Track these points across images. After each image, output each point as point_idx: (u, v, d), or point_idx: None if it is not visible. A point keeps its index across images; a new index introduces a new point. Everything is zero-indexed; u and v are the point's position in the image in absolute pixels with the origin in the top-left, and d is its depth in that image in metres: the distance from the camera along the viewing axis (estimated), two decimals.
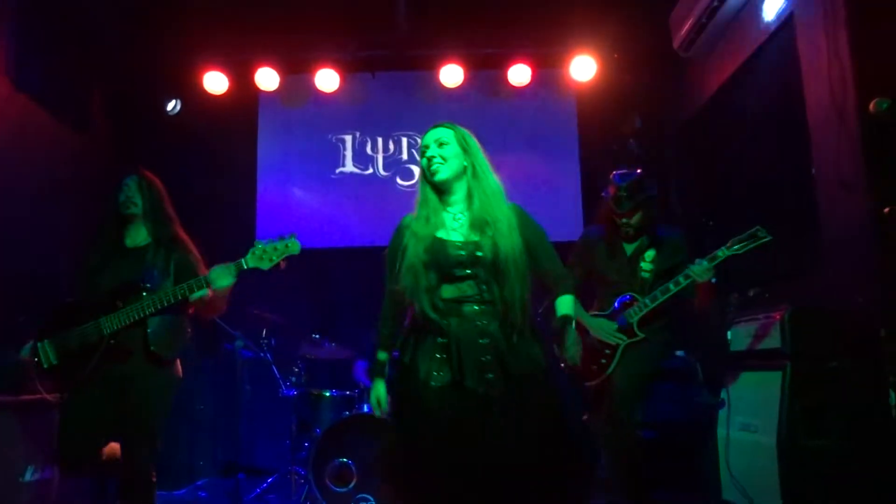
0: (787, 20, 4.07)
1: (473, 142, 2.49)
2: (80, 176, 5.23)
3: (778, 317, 3.43)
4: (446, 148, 2.43)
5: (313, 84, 5.94)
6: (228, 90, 5.90)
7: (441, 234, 2.41)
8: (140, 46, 5.56)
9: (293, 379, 4.73)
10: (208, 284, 2.97)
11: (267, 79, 5.86)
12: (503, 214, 2.41)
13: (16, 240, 4.28)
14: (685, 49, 5.16)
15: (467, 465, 2.13)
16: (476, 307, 2.29)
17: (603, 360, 3.44)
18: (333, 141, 6.21)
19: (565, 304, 2.47)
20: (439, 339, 2.28)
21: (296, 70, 6.00)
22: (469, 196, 2.44)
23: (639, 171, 3.47)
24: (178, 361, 3.23)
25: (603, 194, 3.53)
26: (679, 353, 4.67)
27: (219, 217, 5.78)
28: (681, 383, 4.62)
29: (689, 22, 4.92)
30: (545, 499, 2.19)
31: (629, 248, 3.53)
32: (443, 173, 2.42)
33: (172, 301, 2.97)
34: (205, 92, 5.85)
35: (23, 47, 4.59)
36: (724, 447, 3.74)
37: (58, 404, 3.29)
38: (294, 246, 2.90)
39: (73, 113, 5.25)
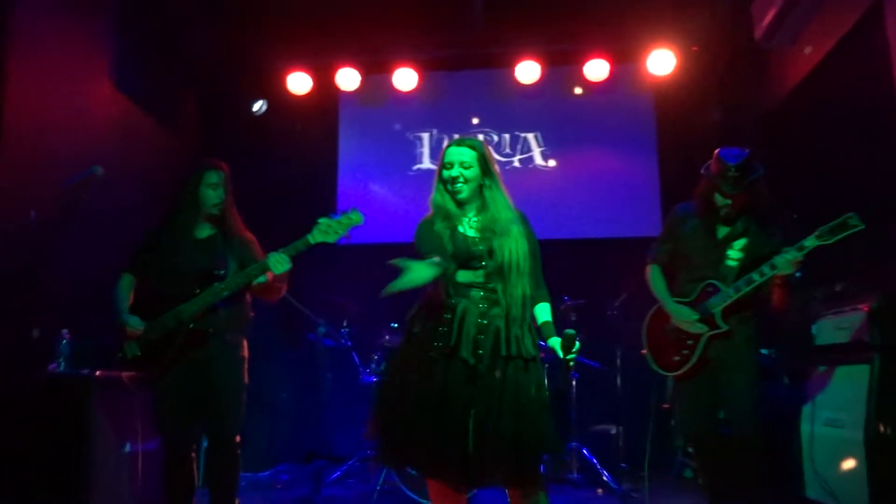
0: (875, 7, 3.94)
1: (489, 155, 2.73)
2: (174, 174, 5.51)
3: (866, 308, 3.34)
4: (470, 170, 2.66)
5: (391, 83, 6.10)
6: (311, 90, 6.12)
7: (461, 229, 2.68)
8: (229, 49, 5.83)
9: (373, 366, 4.87)
10: (267, 270, 3.11)
11: (348, 79, 6.05)
12: (512, 222, 2.66)
13: (115, 232, 4.56)
14: (767, 39, 5.03)
15: (453, 430, 2.38)
16: (482, 293, 2.56)
17: (685, 351, 3.33)
18: (411, 138, 6.36)
19: (546, 311, 2.72)
20: (445, 315, 2.52)
21: (375, 70, 6.18)
22: (482, 206, 2.71)
23: (748, 150, 3.24)
24: (245, 342, 3.39)
25: (703, 171, 3.33)
26: (762, 350, 4.57)
27: (300, 214, 5.97)
28: (763, 380, 4.52)
29: (773, 11, 4.81)
30: (513, 473, 2.41)
31: (721, 231, 3.35)
32: (464, 193, 2.66)
33: (241, 285, 3.15)
34: (288, 92, 6.09)
35: (123, 51, 4.90)
36: (808, 443, 3.66)
37: (134, 387, 3.48)
38: (357, 217, 2.99)
39: (169, 113, 5.57)
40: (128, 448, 3.73)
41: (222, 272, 3.19)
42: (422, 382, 2.47)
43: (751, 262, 3.25)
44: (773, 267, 3.11)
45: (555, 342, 2.62)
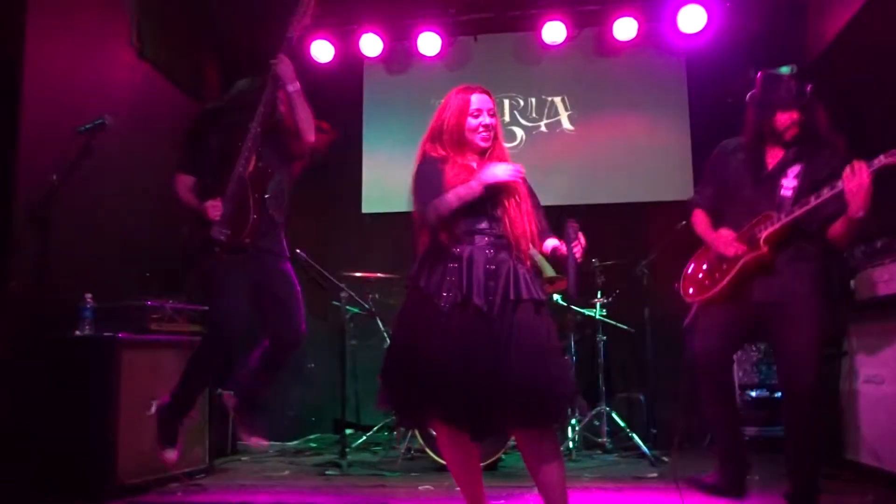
0: None
1: None
2: None
3: None
4: (494, 118, 2.64)
5: (415, 49, 6.01)
6: (334, 58, 6.06)
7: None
8: (251, 17, 5.77)
9: None
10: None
11: (371, 45, 5.98)
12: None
13: (137, 199, 4.56)
14: None
15: (473, 378, 2.32)
16: (487, 238, 2.51)
17: (717, 275, 3.06)
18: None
19: (552, 242, 2.66)
20: (451, 264, 2.46)
21: (399, 36, 6.09)
22: (488, 153, 2.65)
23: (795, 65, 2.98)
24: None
25: (748, 99, 3.06)
26: None
27: (327, 183, 5.95)
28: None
29: None
30: (525, 413, 2.33)
31: (772, 160, 3.07)
32: (489, 141, 2.63)
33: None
34: (312, 60, 6.02)
35: (145, 17, 4.87)
36: (847, 402, 3.52)
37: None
38: None
39: (191, 82, 5.53)
40: (153, 409, 3.73)
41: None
42: (434, 335, 2.41)
43: (808, 188, 2.94)
44: (833, 186, 2.78)
45: (553, 241, 2.59)
